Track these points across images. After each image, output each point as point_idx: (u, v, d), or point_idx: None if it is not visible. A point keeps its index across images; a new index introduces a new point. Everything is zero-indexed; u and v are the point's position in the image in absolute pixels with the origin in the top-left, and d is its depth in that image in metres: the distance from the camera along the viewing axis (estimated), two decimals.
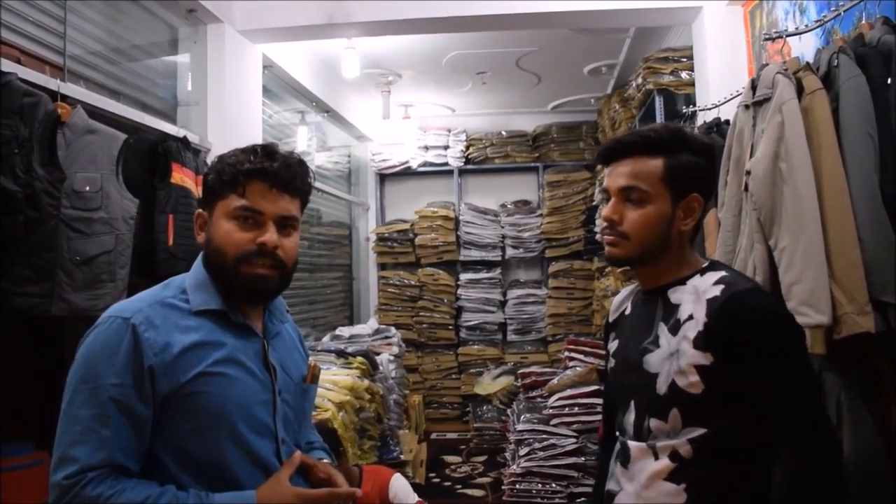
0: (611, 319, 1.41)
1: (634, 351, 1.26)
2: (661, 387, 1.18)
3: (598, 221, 5.03)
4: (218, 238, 1.16)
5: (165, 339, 1.09)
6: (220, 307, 1.16)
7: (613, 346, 1.36)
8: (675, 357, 1.17)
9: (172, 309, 1.13)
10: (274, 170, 1.16)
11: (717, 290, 1.17)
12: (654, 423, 1.21)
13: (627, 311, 1.36)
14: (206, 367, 1.11)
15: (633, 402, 1.26)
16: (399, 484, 2.66)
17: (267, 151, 1.18)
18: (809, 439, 1.13)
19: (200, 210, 1.22)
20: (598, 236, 5.33)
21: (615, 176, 1.24)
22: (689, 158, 1.22)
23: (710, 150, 1.27)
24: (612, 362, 1.35)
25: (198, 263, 1.22)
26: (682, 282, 1.23)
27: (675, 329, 1.19)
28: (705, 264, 1.26)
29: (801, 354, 1.17)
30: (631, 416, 1.26)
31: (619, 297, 1.41)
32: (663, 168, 1.21)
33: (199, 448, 1.10)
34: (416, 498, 2.66)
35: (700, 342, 1.15)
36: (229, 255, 1.15)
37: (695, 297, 1.19)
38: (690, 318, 1.17)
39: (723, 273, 1.21)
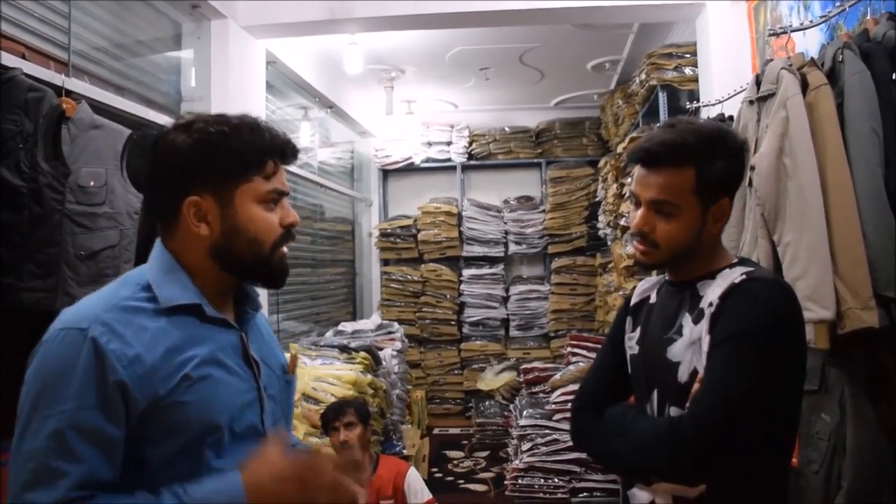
0: (632, 302, 1.39)
1: (658, 341, 1.25)
2: (683, 375, 1.18)
3: (610, 214, 4.99)
4: (253, 226, 1.04)
5: (135, 348, 0.93)
6: (195, 301, 1.01)
7: (633, 333, 1.35)
8: (697, 345, 1.17)
9: (135, 312, 0.97)
10: (291, 147, 1.10)
11: (738, 278, 1.17)
12: (674, 411, 1.20)
13: (652, 300, 1.34)
14: (188, 372, 0.96)
15: (655, 393, 1.25)
16: (415, 477, 2.70)
17: (270, 128, 1.10)
18: (693, 410, 1.12)
19: (195, 197, 1.02)
20: (601, 234, 5.33)
21: (645, 186, 1.22)
22: (720, 164, 1.19)
23: (742, 149, 1.25)
24: (634, 349, 1.33)
25: (159, 254, 1.04)
26: (712, 276, 1.22)
27: (698, 318, 1.19)
28: (735, 260, 1.25)
29: (752, 340, 1.11)
30: (652, 407, 1.25)
31: (644, 284, 1.39)
32: (694, 181, 1.18)
33: (185, 466, 0.96)
34: (429, 495, 2.68)
35: (711, 326, 1.15)
36: (267, 242, 1.05)
37: (720, 288, 1.18)
38: (710, 305, 1.17)
39: (751, 268, 1.21)
